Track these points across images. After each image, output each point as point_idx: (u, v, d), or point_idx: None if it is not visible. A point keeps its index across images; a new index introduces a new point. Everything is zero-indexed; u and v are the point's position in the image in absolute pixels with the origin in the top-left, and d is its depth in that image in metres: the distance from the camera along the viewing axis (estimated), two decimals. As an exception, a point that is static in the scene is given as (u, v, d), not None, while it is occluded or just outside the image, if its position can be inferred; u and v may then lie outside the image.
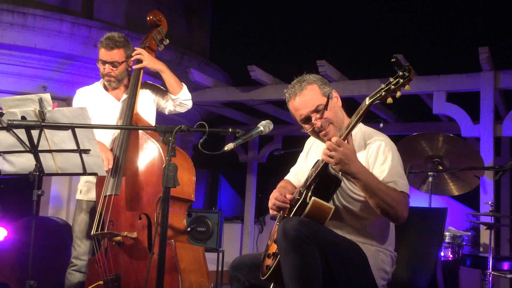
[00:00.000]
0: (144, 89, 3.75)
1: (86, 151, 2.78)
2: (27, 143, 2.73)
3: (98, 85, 3.76)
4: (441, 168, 4.91)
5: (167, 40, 3.86)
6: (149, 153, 3.39)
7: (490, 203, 4.58)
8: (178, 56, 6.79)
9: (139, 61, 3.63)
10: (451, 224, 5.23)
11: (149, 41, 3.76)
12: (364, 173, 2.47)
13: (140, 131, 3.45)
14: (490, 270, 4.22)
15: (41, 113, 2.65)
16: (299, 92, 2.69)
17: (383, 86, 2.35)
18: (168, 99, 3.74)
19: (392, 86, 2.31)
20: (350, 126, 2.45)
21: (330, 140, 2.47)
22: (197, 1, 8.37)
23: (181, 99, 3.71)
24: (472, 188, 5.11)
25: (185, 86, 3.73)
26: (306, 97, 2.68)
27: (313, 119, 2.68)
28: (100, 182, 3.45)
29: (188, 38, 7.93)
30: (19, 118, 2.65)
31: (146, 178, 3.36)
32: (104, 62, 3.56)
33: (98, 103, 3.63)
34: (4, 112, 2.65)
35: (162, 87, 3.83)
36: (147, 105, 3.74)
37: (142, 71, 3.65)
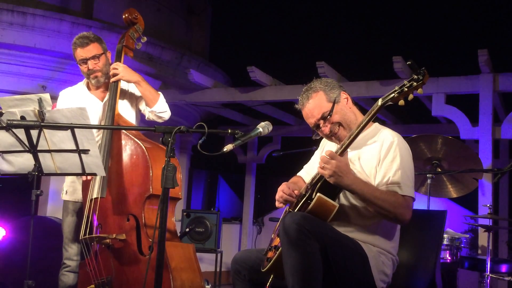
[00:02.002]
0: (127, 90, 3.75)
1: (85, 151, 2.77)
2: (26, 143, 2.73)
3: (81, 86, 3.76)
4: (439, 170, 4.92)
5: (145, 38, 3.83)
6: (133, 153, 3.36)
7: (488, 205, 4.59)
8: (178, 56, 6.80)
9: (115, 74, 3.59)
10: (450, 226, 5.23)
11: (126, 40, 3.73)
12: (359, 184, 2.53)
13: (122, 131, 3.42)
14: (488, 273, 4.23)
15: (41, 113, 2.65)
16: (306, 101, 2.78)
17: (396, 88, 2.40)
18: (146, 107, 3.70)
19: (406, 89, 2.37)
20: (361, 126, 2.53)
21: (340, 141, 2.54)
22: (197, 1, 8.37)
23: (156, 111, 3.64)
24: (470, 190, 5.12)
25: (161, 98, 3.65)
26: (311, 106, 2.77)
27: (321, 126, 2.76)
28: (86, 186, 3.43)
29: (187, 38, 7.94)
30: (19, 118, 2.65)
31: (131, 179, 3.33)
32: (85, 60, 3.56)
33: (81, 104, 3.58)
34: (3, 112, 2.64)
35: None
36: (129, 107, 3.74)
37: (119, 82, 3.62)
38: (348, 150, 2.63)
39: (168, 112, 3.72)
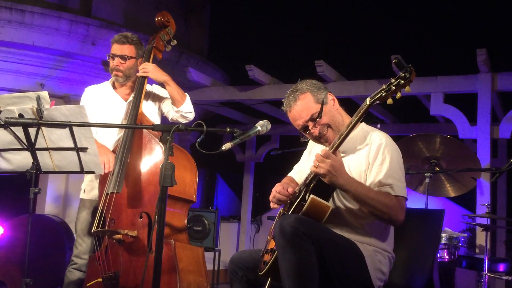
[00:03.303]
0: (151, 92, 3.81)
1: (84, 150, 2.77)
2: (24, 140, 2.72)
3: (107, 84, 3.82)
4: (438, 169, 4.92)
5: (175, 41, 3.88)
6: (152, 153, 3.41)
7: (486, 204, 4.59)
8: (176, 54, 6.79)
9: (145, 72, 3.65)
10: (447, 225, 5.24)
11: (156, 41, 3.79)
12: (353, 184, 2.52)
13: (144, 131, 3.46)
14: (486, 272, 4.23)
15: (39, 111, 2.64)
16: (293, 103, 2.74)
17: (384, 86, 2.37)
18: (171, 108, 3.77)
19: (393, 87, 2.34)
20: (350, 125, 2.50)
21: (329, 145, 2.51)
22: (195, 0, 8.35)
23: (182, 112, 3.72)
24: (468, 189, 5.12)
25: (188, 99, 3.74)
26: (299, 108, 2.72)
27: (310, 127, 2.73)
28: (103, 180, 3.47)
29: (186, 37, 7.93)
30: (17, 115, 2.64)
31: (148, 177, 3.37)
32: (114, 56, 3.64)
33: (105, 102, 3.69)
34: (1, 110, 2.64)
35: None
36: (152, 107, 3.80)
37: (146, 79, 3.68)
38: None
39: (193, 113, 3.79)
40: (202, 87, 7.09)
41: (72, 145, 2.75)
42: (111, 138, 3.64)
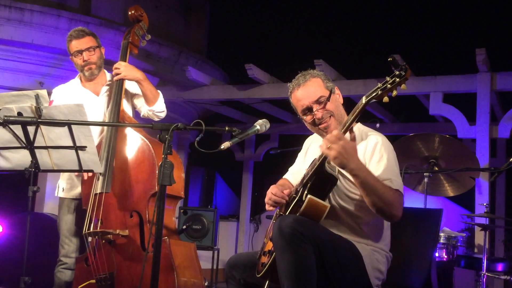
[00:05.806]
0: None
1: (82, 148, 2.77)
2: (23, 139, 2.73)
3: (74, 81, 3.76)
4: (436, 169, 4.92)
5: (149, 36, 3.85)
6: (138, 150, 3.37)
7: (485, 204, 4.59)
8: (176, 53, 6.79)
9: (117, 73, 3.59)
10: (446, 225, 5.24)
11: (131, 36, 3.74)
12: (363, 170, 2.45)
13: (128, 128, 3.43)
14: (484, 271, 4.24)
15: (38, 109, 2.64)
16: (303, 83, 2.74)
17: (379, 85, 2.37)
18: (143, 105, 3.72)
19: (389, 85, 2.34)
20: (347, 124, 2.47)
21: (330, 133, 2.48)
22: (195, -2, 8.36)
23: (155, 111, 3.69)
24: (467, 189, 5.12)
25: (160, 98, 3.69)
26: (309, 88, 2.72)
27: (314, 109, 2.70)
28: (86, 180, 3.43)
29: (185, 35, 7.92)
30: (16, 114, 2.64)
31: (136, 176, 3.33)
32: (80, 51, 3.57)
33: (76, 99, 3.56)
34: (0, 108, 2.64)
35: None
36: (126, 104, 3.75)
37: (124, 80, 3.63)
38: None
39: (165, 112, 3.76)
40: (201, 86, 7.09)
41: (71, 144, 2.75)
42: (93, 135, 3.58)
